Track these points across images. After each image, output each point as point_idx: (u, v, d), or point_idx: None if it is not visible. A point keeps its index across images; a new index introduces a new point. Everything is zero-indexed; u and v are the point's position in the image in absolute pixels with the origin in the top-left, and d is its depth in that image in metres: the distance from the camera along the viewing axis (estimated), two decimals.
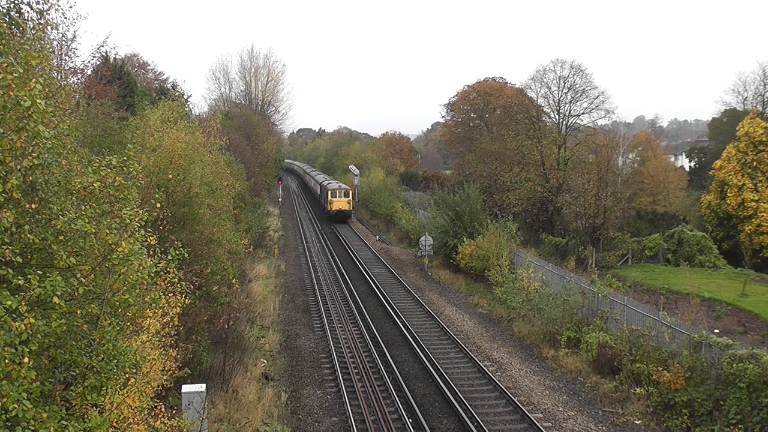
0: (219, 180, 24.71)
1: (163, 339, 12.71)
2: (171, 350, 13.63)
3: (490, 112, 68.71)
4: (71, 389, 8.72)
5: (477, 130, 69.61)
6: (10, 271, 7.20)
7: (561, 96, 53.98)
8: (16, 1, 10.31)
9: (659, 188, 64.27)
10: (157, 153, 18.84)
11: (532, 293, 28.20)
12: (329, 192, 65.00)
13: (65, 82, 21.57)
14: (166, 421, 11.02)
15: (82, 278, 8.22)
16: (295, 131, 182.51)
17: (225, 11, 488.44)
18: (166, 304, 12.59)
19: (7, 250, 7.18)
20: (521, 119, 53.74)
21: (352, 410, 18.68)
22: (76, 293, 8.08)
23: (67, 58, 25.35)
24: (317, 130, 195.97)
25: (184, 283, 13.14)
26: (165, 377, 12.72)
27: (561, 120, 54.78)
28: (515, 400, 19.35)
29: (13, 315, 7.05)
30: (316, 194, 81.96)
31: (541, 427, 17.47)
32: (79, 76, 28.03)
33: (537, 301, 27.14)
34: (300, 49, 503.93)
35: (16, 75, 7.34)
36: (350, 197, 65.24)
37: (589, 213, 41.39)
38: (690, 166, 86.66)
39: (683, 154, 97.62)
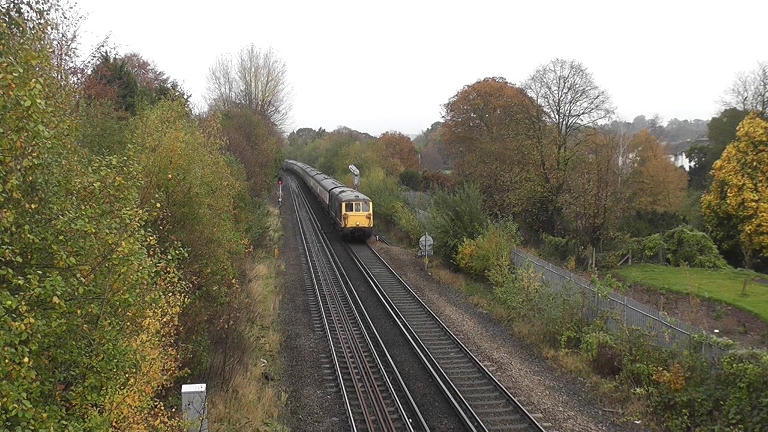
0: (219, 180, 24.73)
1: (163, 339, 12.71)
2: (171, 350, 13.64)
3: (490, 112, 68.75)
4: (71, 389, 8.73)
5: (477, 130, 69.69)
6: (10, 271, 7.20)
7: (561, 96, 54.11)
8: (16, 1, 10.31)
9: (659, 188, 64.27)
10: (157, 153, 18.84)
11: (532, 293, 28.19)
12: (344, 204, 50.40)
13: (65, 82, 21.59)
14: (166, 421, 11.02)
15: (82, 278, 8.22)
16: (295, 131, 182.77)
17: (225, 11, 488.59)
18: (166, 304, 12.60)
19: (7, 250, 7.18)
20: (521, 119, 53.83)
21: (352, 410, 18.67)
22: (76, 293, 8.08)
23: (67, 58, 25.37)
24: (317, 130, 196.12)
25: (183, 282, 13.15)
26: (165, 377, 12.73)
27: (561, 120, 54.89)
28: (515, 400, 19.35)
29: (13, 315, 7.05)
30: (324, 203, 68.36)
31: (541, 427, 17.46)
32: (79, 76, 28.08)
33: (537, 301, 27.13)
34: (300, 49, 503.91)
35: (16, 75, 7.34)
36: (370, 210, 50.87)
37: (589, 213, 41.41)
38: (690, 166, 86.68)
39: (683, 154, 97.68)
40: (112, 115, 23.37)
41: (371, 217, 50.91)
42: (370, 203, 51.59)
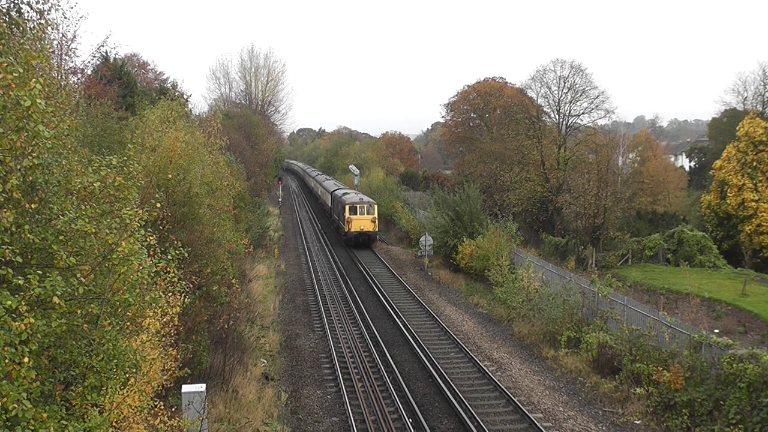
0: (219, 180, 24.75)
1: (163, 339, 12.72)
2: (171, 350, 13.64)
3: (490, 112, 68.75)
4: (71, 389, 8.72)
5: (477, 130, 69.70)
6: (10, 271, 7.20)
7: (561, 96, 54.14)
8: (16, 1, 10.31)
9: (659, 188, 64.29)
10: (157, 153, 18.86)
11: (532, 293, 28.20)
12: (347, 207, 47.25)
13: (65, 82, 21.60)
14: (166, 421, 11.02)
15: (82, 278, 8.22)
16: (295, 131, 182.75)
17: (225, 11, 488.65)
18: (166, 304, 12.60)
19: (7, 250, 7.18)
20: (521, 119, 53.85)
21: (352, 410, 18.67)
22: (76, 293, 8.08)
23: (67, 58, 25.36)
24: (317, 130, 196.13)
25: (183, 282, 13.15)
26: (165, 377, 12.73)
27: (561, 120, 54.92)
28: (515, 400, 19.35)
29: (13, 315, 7.04)
30: (326, 206, 65.60)
31: (541, 427, 17.46)
32: (79, 76, 28.08)
33: (537, 301, 27.13)
34: (300, 49, 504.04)
35: (16, 75, 7.34)
36: (375, 214, 47.67)
37: (589, 213, 41.42)
38: (690, 166, 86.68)
39: (683, 154, 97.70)
40: (112, 115, 23.37)
41: (377, 220, 47.90)
42: (376, 206, 48.19)
